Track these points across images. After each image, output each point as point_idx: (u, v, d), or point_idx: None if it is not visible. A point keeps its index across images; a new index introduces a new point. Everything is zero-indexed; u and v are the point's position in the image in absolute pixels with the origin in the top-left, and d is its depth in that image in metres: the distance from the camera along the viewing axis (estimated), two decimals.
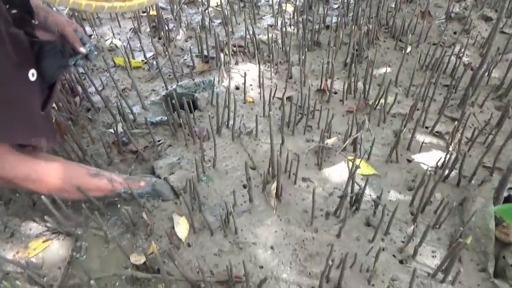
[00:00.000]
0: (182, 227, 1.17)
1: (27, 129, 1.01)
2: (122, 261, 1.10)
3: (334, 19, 2.15)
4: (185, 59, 1.91)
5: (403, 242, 1.16)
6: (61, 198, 1.11)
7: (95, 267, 1.09)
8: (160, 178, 1.30)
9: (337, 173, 1.37)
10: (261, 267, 1.10)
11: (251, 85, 1.75)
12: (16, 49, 0.94)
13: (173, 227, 1.17)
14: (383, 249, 1.13)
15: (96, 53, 1.76)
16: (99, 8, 0.86)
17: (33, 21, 1.09)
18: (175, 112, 1.48)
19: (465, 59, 1.89)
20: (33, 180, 1.04)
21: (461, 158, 1.29)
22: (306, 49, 1.83)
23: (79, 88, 1.65)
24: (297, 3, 2.24)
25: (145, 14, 2.16)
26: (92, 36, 2.02)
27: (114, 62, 1.86)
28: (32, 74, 1.00)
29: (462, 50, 1.82)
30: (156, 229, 1.17)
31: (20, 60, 0.96)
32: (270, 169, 1.32)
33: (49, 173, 1.07)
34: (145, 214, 1.17)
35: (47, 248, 1.14)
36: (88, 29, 2.05)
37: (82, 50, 1.19)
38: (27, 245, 1.14)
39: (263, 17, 2.23)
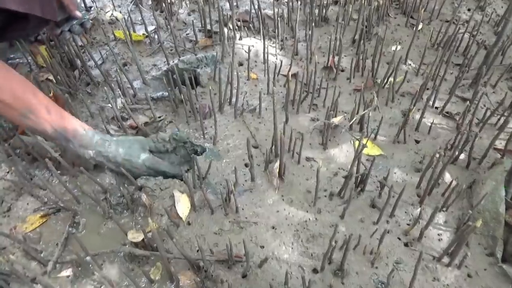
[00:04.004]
0: (183, 205, 1.15)
1: None
2: (121, 238, 1.08)
3: None
4: (188, 34, 1.84)
5: (408, 224, 1.13)
6: None
7: (93, 243, 1.07)
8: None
9: (342, 153, 1.33)
10: (262, 247, 1.07)
11: (255, 61, 1.69)
12: None
13: (174, 205, 1.14)
14: (388, 232, 1.10)
15: (91, 22, 1.68)
16: None
17: None
18: (177, 87, 1.43)
19: (479, 37, 1.82)
20: None
21: (471, 139, 1.24)
22: (313, 25, 1.75)
23: (78, 62, 1.60)
24: None
25: None
26: (92, 8, 1.96)
27: (114, 35, 1.80)
28: None
29: (476, 27, 1.74)
30: (156, 208, 1.14)
31: None
32: (273, 148, 1.28)
33: None
34: (144, 195, 1.13)
35: (44, 223, 1.12)
36: (88, 0, 1.99)
37: (78, 14, 1.13)
38: (25, 219, 1.12)
39: None
